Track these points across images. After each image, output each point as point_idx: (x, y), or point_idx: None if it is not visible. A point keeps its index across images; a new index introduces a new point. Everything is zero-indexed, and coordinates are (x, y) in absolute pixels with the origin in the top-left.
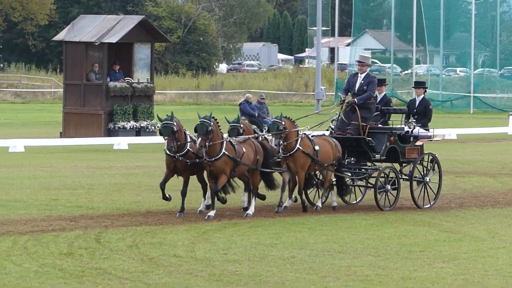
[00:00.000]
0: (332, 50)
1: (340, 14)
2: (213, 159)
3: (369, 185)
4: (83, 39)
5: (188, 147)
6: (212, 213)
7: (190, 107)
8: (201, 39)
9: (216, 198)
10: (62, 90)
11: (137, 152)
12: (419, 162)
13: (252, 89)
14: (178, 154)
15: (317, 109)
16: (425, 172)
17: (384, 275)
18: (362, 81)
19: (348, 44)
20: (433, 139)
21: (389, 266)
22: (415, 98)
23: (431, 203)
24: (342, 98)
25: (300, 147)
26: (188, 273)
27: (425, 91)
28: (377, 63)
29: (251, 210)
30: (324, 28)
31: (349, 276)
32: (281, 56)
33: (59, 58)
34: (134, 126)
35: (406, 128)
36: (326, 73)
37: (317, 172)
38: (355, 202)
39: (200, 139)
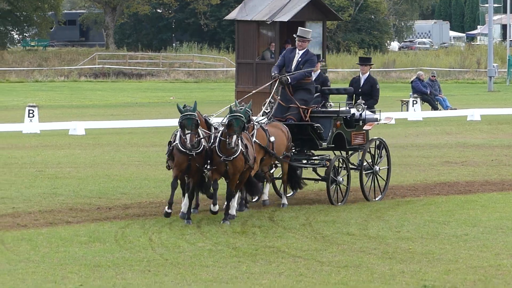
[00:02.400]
0: (504, 27)
1: None
2: (194, 153)
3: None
4: (255, 18)
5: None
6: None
7: None
8: (372, 17)
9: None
10: (234, 69)
11: None
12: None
13: (424, 67)
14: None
15: (489, 88)
16: (374, 160)
17: None
18: (300, 59)
19: None
20: (380, 122)
21: None
22: (359, 76)
23: (381, 195)
24: (273, 75)
25: (257, 140)
26: (361, 251)
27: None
28: None
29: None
30: (496, 5)
31: None
32: (452, 33)
33: (231, 37)
34: None
35: (353, 111)
36: (498, 50)
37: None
38: (290, 195)
39: (190, 134)
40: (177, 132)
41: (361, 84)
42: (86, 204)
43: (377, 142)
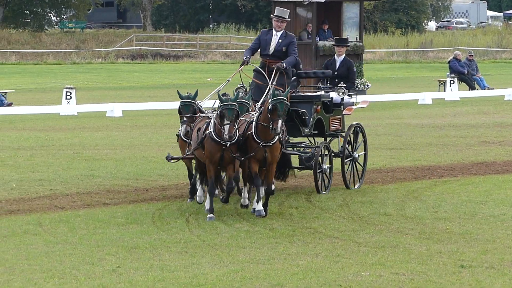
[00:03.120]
0: None
1: None
2: (229, 143)
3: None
4: None
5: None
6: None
7: (400, 65)
8: None
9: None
10: None
11: None
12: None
13: (461, 47)
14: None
15: None
16: (353, 146)
17: None
18: (280, 40)
19: None
20: (356, 106)
21: None
22: (334, 58)
23: (360, 182)
24: (245, 59)
25: None
26: (399, 232)
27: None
28: None
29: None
30: None
31: None
32: (490, 13)
33: (268, 18)
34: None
35: (333, 95)
36: None
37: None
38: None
39: (229, 125)
40: (181, 122)
41: (337, 66)
42: (124, 186)
43: (355, 128)
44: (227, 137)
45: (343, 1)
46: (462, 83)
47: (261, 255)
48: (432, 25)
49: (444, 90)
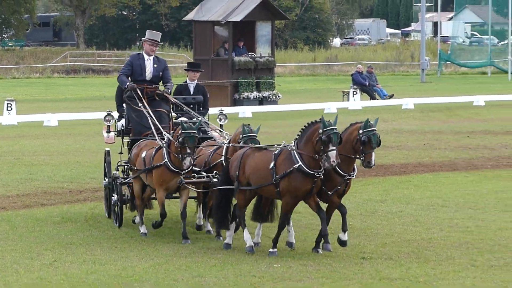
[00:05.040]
0: (435, 24)
1: None
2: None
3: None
4: (211, 18)
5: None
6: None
7: (308, 78)
8: (317, 16)
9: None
10: None
11: (260, 120)
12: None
13: (363, 61)
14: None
15: (422, 79)
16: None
17: (483, 226)
18: (155, 65)
19: (450, 19)
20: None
21: (487, 218)
22: (186, 83)
23: None
24: (129, 85)
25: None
26: (307, 228)
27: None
28: (476, 35)
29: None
30: (428, 4)
31: (451, 227)
32: (389, 30)
33: (189, 36)
34: (257, 96)
35: (221, 122)
36: (430, 45)
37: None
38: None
39: (336, 151)
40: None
41: (192, 92)
42: (59, 188)
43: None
44: (334, 163)
45: (256, 20)
46: (364, 93)
47: (184, 249)
48: (337, 41)
49: (348, 100)
